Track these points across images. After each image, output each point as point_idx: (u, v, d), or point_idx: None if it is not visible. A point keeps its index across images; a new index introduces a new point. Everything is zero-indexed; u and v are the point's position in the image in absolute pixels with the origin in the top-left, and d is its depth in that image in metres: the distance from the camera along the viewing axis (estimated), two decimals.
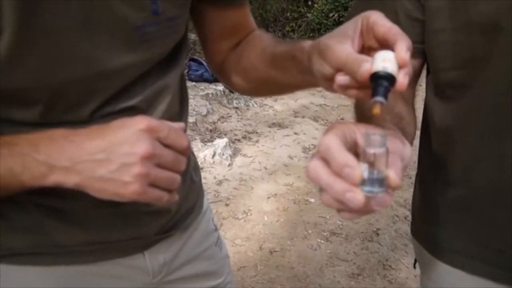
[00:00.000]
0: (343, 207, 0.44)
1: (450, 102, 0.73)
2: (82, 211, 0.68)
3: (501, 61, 0.64)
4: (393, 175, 0.43)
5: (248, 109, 3.96)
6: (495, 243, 0.73)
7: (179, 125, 0.60)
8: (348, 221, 2.48)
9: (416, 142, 0.84)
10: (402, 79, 0.44)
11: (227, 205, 2.59)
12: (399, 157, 0.45)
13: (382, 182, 0.43)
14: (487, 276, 0.74)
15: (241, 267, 2.13)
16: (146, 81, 0.65)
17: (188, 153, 0.59)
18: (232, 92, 4.04)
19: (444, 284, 0.80)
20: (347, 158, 0.42)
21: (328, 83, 0.51)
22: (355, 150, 0.46)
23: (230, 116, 3.77)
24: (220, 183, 2.78)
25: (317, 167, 0.44)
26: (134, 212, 0.71)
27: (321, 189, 0.45)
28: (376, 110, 0.44)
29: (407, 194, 2.67)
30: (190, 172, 0.87)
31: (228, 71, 0.75)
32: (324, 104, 4.15)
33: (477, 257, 0.75)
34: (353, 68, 0.46)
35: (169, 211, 0.77)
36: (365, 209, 0.44)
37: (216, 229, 0.95)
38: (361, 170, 0.42)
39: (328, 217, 2.51)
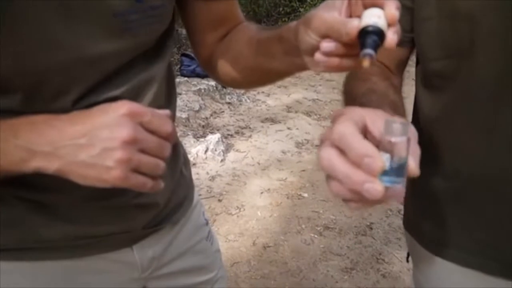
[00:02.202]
0: (355, 197, 0.42)
1: (438, 93, 0.72)
2: (67, 204, 0.67)
3: (485, 51, 0.64)
4: (412, 163, 0.41)
5: (240, 104, 3.94)
6: (486, 235, 0.73)
7: (164, 111, 0.59)
8: (341, 216, 2.47)
9: None
10: (392, 36, 0.43)
11: (220, 200, 2.58)
12: (417, 143, 0.44)
13: (402, 171, 0.41)
14: (478, 268, 0.74)
15: (234, 263, 2.12)
16: (130, 71, 0.64)
17: (172, 140, 0.58)
18: (225, 87, 4.02)
19: (436, 277, 0.80)
20: (367, 147, 0.40)
21: (314, 58, 0.50)
22: (365, 135, 0.44)
23: (223, 112, 3.75)
24: (213, 178, 2.77)
25: (332, 156, 0.42)
26: (121, 206, 0.70)
27: (329, 177, 0.43)
28: (366, 63, 0.43)
29: None
30: (180, 166, 0.85)
31: (216, 62, 0.74)
32: (317, 99, 4.15)
33: (468, 250, 0.74)
34: (340, 29, 0.45)
35: (157, 205, 0.76)
36: (379, 200, 0.42)
37: (207, 223, 0.94)
38: (383, 160, 0.40)
39: (321, 211, 2.51)
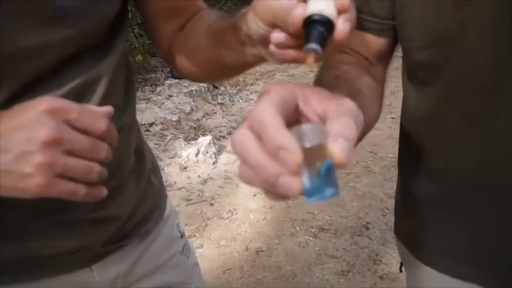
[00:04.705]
0: (271, 189, 0.35)
1: (424, 87, 0.65)
2: (13, 221, 0.60)
3: (476, 36, 0.57)
4: (335, 147, 0.33)
5: (233, 104, 3.87)
6: (480, 242, 0.66)
7: (103, 108, 0.51)
8: (336, 216, 2.40)
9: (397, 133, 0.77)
10: (342, 26, 0.36)
11: (212, 204, 2.51)
12: (354, 127, 0.35)
13: (330, 181, 0.34)
14: (473, 279, 0.67)
15: (226, 269, 2.05)
16: (74, 68, 0.57)
17: (111, 139, 0.51)
18: (217, 88, 3.96)
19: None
20: (284, 138, 0.33)
21: (269, 50, 0.44)
22: (295, 117, 0.38)
23: (215, 113, 3.68)
24: (204, 182, 2.70)
25: (246, 140, 0.35)
26: (74, 221, 0.63)
27: (242, 163, 0.36)
28: (310, 59, 0.36)
29: None
30: (147, 174, 0.78)
31: (174, 55, 0.67)
32: None
33: (462, 259, 0.67)
34: (286, 18, 0.38)
35: (118, 218, 0.69)
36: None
37: (182, 236, 0.87)
38: (300, 154, 0.33)
39: (316, 212, 2.44)
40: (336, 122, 0.34)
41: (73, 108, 0.47)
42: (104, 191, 0.52)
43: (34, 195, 0.47)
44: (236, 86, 4.09)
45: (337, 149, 0.33)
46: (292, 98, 0.37)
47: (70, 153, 0.47)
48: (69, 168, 0.47)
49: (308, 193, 0.33)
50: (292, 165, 0.32)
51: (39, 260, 0.64)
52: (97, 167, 0.49)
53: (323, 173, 0.33)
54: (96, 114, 0.49)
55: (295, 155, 0.32)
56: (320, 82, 0.58)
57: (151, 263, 0.78)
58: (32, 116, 0.46)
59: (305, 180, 0.33)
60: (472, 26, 0.56)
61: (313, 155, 0.33)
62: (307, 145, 0.33)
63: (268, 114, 0.34)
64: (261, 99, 0.36)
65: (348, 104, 0.37)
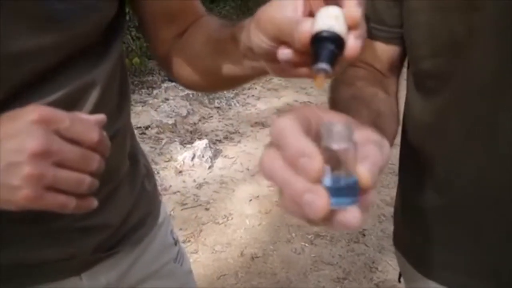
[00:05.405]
0: (298, 211, 0.33)
1: (430, 96, 0.64)
2: (1, 229, 0.58)
3: (482, 46, 0.55)
4: (363, 171, 0.32)
5: (230, 108, 3.85)
6: (481, 254, 0.64)
7: (95, 116, 0.49)
8: None
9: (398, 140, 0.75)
10: (353, 43, 0.34)
11: (207, 209, 2.48)
12: (378, 147, 0.34)
13: (352, 188, 0.32)
14: None
15: (221, 276, 2.02)
16: (68, 74, 0.55)
17: (103, 149, 0.49)
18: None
19: None
20: (304, 145, 0.32)
21: (273, 64, 0.42)
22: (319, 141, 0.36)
23: (211, 116, 3.66)
24: (200, 186, 2.67)
25: (273, 159, 0.34)
26: (62, 229, 0.61)
27: (280, 191, 0.35)
28: (319, 80, 0.34)
29: (394, 192, 2.58)
30: (141, 179, 0.76)
31: (172, 61, 0.65)
32: (308, 102, 4.06)
33: (463, 272, 0.66)
34: (292, 33, 0.36)
35: (109, 226, 0.67)
36: (327, 223, 0.33)
37: (176, 243, 0.85)
38: (321, 161, 0.31)
39: None
40: (364, 147, 0.34)
41: (64, 118, 0.46)
42: (94, 203, 0.50)
43: (22, 207, 0.46)
44: (233, 90, 4.07)
45: (364, 170, 0.32)
46: (316, 119, 0.36)
47: (60, 164, 0.46)
48: (59, 180, 0.45)
49: (331, 193, 0.32)
50: (313, 171, 0.31)
51: (26, 268, 0.62)
52: (87, 179, 0.48)
53: (345, 185, 0.32)
54: (88, 123, 0.48)
55: (315, 161, 0.31)
56: (337, 101, 0.57)
57: (144, 271, 0.76)
58: (22, 126, 0.44)
59: (327, 180, 0.32)
60: (477, 32, 0.55)
61: (338, 157, 0.32)
62: (335, 146, 0.32)
63: (288, 124, 0.33)
64: (283, 114, 0.35)
65: (374, 136, 0.36)
